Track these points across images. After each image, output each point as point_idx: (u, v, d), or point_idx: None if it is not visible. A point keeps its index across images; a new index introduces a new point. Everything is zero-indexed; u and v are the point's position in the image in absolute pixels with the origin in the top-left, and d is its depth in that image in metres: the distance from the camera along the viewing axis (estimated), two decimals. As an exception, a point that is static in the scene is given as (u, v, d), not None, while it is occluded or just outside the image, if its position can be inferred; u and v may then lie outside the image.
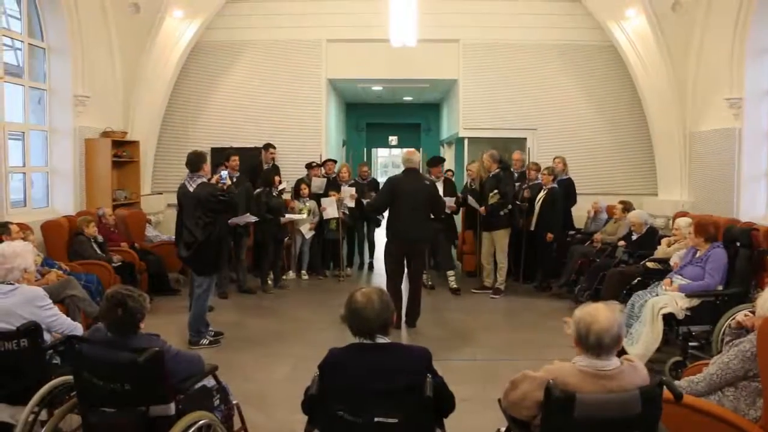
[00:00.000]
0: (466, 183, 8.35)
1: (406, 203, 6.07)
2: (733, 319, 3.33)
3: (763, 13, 7.03)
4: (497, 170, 7.57)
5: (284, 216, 7.83)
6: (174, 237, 7.48)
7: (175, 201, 5.82)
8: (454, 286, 7.83)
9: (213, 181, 5.57)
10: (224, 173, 5.74)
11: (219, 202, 5.39)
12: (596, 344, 2.24)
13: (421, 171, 7.05)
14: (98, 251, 6.68)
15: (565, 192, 8.03)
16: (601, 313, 2.28)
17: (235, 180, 6.94)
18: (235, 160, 7.42)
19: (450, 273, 7.95)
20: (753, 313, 3.20)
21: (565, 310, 6.71)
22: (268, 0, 9.39)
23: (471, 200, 7.80)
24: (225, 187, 5.54)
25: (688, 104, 8.32)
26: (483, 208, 7.55)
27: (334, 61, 9.69)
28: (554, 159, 8.39)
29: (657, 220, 8.12)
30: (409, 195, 6.07)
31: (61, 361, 3.49)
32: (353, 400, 2.35)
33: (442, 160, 8.62)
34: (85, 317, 5.18)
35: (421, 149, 16.75)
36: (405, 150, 6.78)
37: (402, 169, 6.43)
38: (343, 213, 8.43)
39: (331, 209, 8.31)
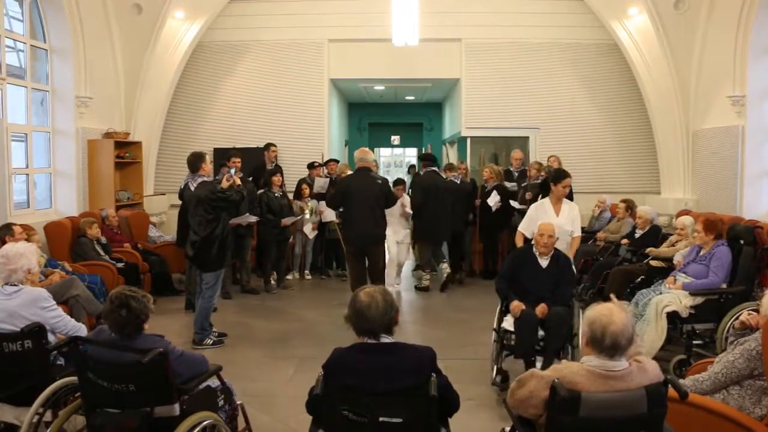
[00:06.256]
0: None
1: (359, 202, 6.08)
2: (737, 319, 3.31)
3: (766, 10, 7.01)
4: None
5: (295, 213, 7.88)
6: (176, 237, 7.54)
7: (177, 201, 5.84)
8: (424, 284, 7.86)
9: (225, 179, 5.65)
10: (232, 170, 5.92)
11: (219, 199, 5.49)
12: (612, 346, 2.23)
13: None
14: (101, 252, 6.69)
15: None
16: (615, 315, 2.26)
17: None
18: (236, 162, 7.31)
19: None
20: (756, 311, 3.19)
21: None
22: (270, 0, 9.39)
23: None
24: (235, 185, 5.63)
25: (690, 102, 8.31)
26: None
27: (336, 61, 9.69)
28: (549, 158, 8.40)
29: (660, 218, 8.10)
30: (362, 194, 6.08)
31: (65, 362, 3.49)
32: (358, 400, 2.35)
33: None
34: (88, 318, 5.19)
35: (423, 149, 16.81)
36: (358, 149, 6.69)
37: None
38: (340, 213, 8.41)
39: (328, 211, 8.27)
